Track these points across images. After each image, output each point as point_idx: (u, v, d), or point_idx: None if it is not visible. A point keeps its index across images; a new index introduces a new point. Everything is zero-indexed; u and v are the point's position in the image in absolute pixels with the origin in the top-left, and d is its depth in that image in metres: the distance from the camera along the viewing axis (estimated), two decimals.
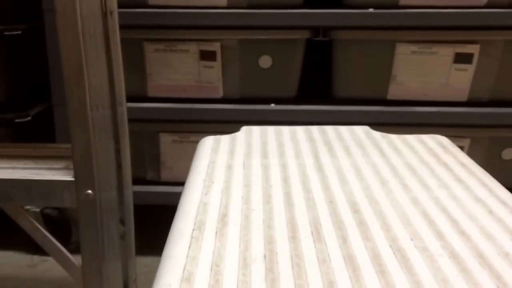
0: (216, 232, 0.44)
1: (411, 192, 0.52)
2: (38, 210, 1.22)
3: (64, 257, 0.83)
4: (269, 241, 0.43)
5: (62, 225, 1.19)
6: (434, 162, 0.60)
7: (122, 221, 0.89)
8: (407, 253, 0.41)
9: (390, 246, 0.42)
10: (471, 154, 1.10)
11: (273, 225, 0.45)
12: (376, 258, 0.40)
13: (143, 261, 1.04)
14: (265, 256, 0.41)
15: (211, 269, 0.39)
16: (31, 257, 1.23)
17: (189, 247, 0.41)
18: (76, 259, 0.81)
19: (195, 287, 0.36)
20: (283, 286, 0.37)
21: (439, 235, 0.44)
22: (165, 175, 1.16)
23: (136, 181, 1.10)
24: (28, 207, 1.21)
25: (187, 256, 0.40)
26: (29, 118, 1.08)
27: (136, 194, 0.92)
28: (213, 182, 0.53)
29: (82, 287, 0.81)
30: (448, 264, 0.40)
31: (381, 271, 0.39)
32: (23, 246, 1.18)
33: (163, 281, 0.37)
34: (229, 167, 0.57)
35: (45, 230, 1.20)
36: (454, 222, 0.46)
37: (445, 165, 0.59)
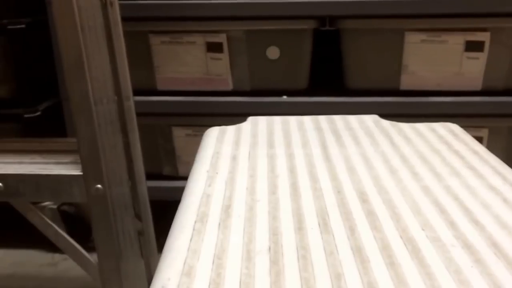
0: (219, 224, 0.42)
1: (422, 180, 0.50)
2: (55, 207, 1.21)
3: (79, 255, 0.82)
4: (274, 233, 0.41)
5: (80, 221, 1.18)
6: (446, 150, 0.57)
7: (139, 217, 0.88)
8: (418, 244, 0.39)
9: (401, 237, 0.40)
10: (491, 144, 1.07)
11: (279, 216, 0.43)
12: (385, 249, 0.38)
13: None
14: (269, 249, 0.39)
15: (213, 263, 0.37)
16: (52, 256, 1.22)
17: (191, 240, 0.39)
18: (95, 257, 0.79)
19: (196, 281, 0.35)
20: (288, 279, 0.35)
21: (452, 224, 0.42)
22: (182, 170, 1.15)
23: (153, 176, 1.08)
24: (45, 203, 1.20)
25: (188, 249, 0.38)
26: (39, 113, 1.07)
27: (153, 189, 0.91)
28: (217, 173, 0.51)
29: (100, 285, 0.79)
30: (462, 254, 0.38)
31: (391, 263, 0.37)
32: (44, 245, 1.17)
33: (162, 275, 0.36)
34: (234, 158, 0.55)
35: (61, 227, 1.19)
36: (467, 211, 0.44)
37: (457, 152, 0.57)
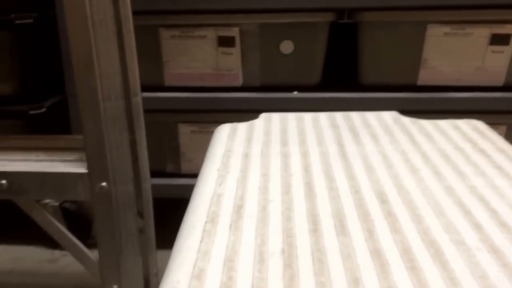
0: (231, 225, 0.41)
1: (445, 180, 0.49)
2: (57, 204, 1.22)
3: (80, 252, 0.82)
4: (288, 235, 0.40)
5: (81, 219, 1.18)
6: (470, 148, 0.56)
7: (141, 215, 0.88)
8: (441, 247, 0.38)
9: (422, 240, 0.39)
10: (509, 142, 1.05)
11: (293, 217, 0.43)
12: (406, 253, 0.37)
13: (166, 255, 1.04)
14: (283, 251, 0.38)
15: (224, 265, 0.36)
16: (51, 252, 1.23)
17: (201, 241, 0.39)
18: (94, 254, 0.79)
19: (206, 285, 0.34)
20: (303, 284, 0.34)
21: (477, 227, 0.41)
22: (185, 167, 1.15)
23: (156, 173, 1.08)
24: (46, 201, 1.21)
25: (198, 251, 0.38)
26: (44, 109, 1.08)
27: (155, 187, 0.91)
28: (228, 172, 0.51)
29: (100, 282, 0.80)
30: (487, 259, 0.37)
31: (412, 267, 0.36)
32: (44, 241, 1.19)
33: (171, 278, 0.35)
34: (246, 156, 0.54)
35: (62, 224, 1.20)
36: (493, 213, 0.43)
37: (482, 151, 0.55)
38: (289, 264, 0.36)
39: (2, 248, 1.26)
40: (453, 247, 0.38)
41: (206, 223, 0.41)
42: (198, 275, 0.35)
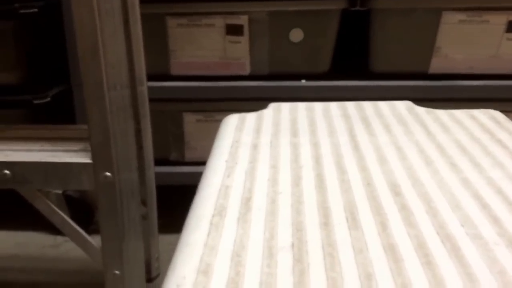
0: (239, 218, 0.40)
1: (461, 172, 0.48)
2: (60, 192, 1.23)
3: (82, 239, 0.83)
4: (298, 228, 0.39)
5: (84, 206, 1.20)
6: (487, 139, 0.55)
7: (144, 202, 0.88)
8: (457, 242, 0.37)
9: (438, 234, 0.38)
10: None
11: (303, 210, 0.42)
12: (421, 248, 0.37)
13: (167, 239, 1.05)
14: (293, 245, 0.37)
15: (231, 260, 0.35)
16: (54, 238, 1.25)
17: (208, 235, 0.38)
18: (96, 240, 0.80)
19: (213, 280, 0.33)
20: (313, 279, 0.33)
21: (495, 220, 0.40)
22: (189, 155, 1.14)
23: (159, 161, 1.08)
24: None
25: (205, 245, 0.37)
26: (48, 99, 1.07)
27: (159, 174, 0.91)
28: (236, 163, 0.50)
29: (102, 268, 0.81)
30: (506, 254, 0.36)
31: (428, 262, 0.35)
32: (47, 227, 1.22)
33: (177, 272, 0.34)
34: (255, 147, 0.54)
35: (65, 212, 1.21)
36: (511, 206, 0.42)
37: (500, 142, 0.54)
38: (299, 259, 0.36)
39: (6, 233, 1.28)
40: (470, 241, 0.37)
41: (213, 216, 0.41)
42: (204, 270, 0.34)
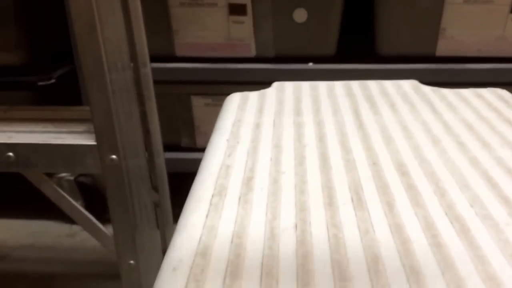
0: (240, 198, 0.38)
1: (469, 151, 0.45)
2: (72, 178, 1.20)
3: (94, 226, 0.80)
4: (302, 209, 0.37)
5: (97, 193, 1.17)
6: (495, 118, 0.52)
7: (156, 189, 0.86)
8: (466, 222, 0.35)
9: (446, 214, 0.36)
10: None
11: (307, 190, 0.39)
12: (429, 228, 0.34)
13: None
14: (296, 226, 0.35)
15: (231, 242, 0.33)
16: (70, 227, 1.22)
17: (207, 216, 0.36)
18: (110, 229, 0.77)
19: (212, 263, 0.31)
20: (317, 262, 0.31)
21: (505, 200, 0.37)
22: (200, 141, 1.12)
23: (171, 147, 1.06)
24: (62, 175, 1.20)
25: (204, 226, 0.35)
26: (53, 80, 1.05)
27: (170, 161, 0.88)
28: (238, 142, 0.47)
29: (116, 256, 0.78)
30: None
31: (436, 243, 0.33)
32: (62, 216, 1.19)
33: (174, 255, 0.32)
34: (257, 126, 0.51)
35: (78, 199, 1.19)
36: None
37: (508, 121, 0.51)
38: (302, 240, 0.33)
39: (21, 223, 1.25)
40: (480, 222, 0.35)
41: (213, 196, 0.38)
42: (202, 252, 0.32)
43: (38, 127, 0.77)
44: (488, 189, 0.39)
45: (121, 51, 0.72)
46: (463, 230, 0.34)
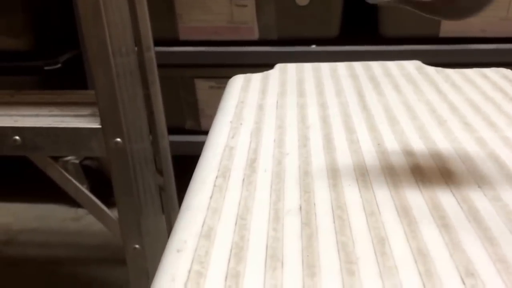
0: (243, 180, 0.37)
1: (475, 132, 0.43)
2: (77, 162, 1.19)
3: (99, 209, 0.79)
4: (306, 190, 0.35)
5: (103, 177, 1.15)
6: (501, 98, 0.50)
7: (160, 172, 0.84)
8: (475, 204, 0.33)
9: (454, 195, 0.34)
10: None
11: (311, 171, 0.38)
12: (436, 210, 0.33)
13: None
14: (300, 208, 0.33)
15: (235, 224, 0.32)
16: (75, 210, 1.21)
17: (211, 197, 0.35)
18: (116, 213, 0.76)
19: (216, 245, 0.30)
20: (322, 244, 0.30)
21: None
22: (205, 124, 1.10)
23: (175, 130, 1.04)
24: (67, 158, 1.18)
25: (207, 208, 0.33)
26: (59, 65, 1.03)
27: (175, 144, 0.87)
28: (241, 124, 0.46)
29: (121, 240, 0.77)
30: None
31: (444, 225, 0.31)
32: (67, 199, 1.17)
33: (178, 236, 0.31)
34: (260, 107, 0.49)
35: (83, 182, 1.17)
36: None
37: None
38: (307, 222, 0.32)
39: (26, 206, 1.24)
40: (488, 203, 0.33)
41: (217, 177, 0.37)
42: (207, 234, 0.31)
43: (44, 110, 0.76)
44: (496, 170, 0.37)
45: (125, 35, 0.70)
46: (471, 212, 0.32)
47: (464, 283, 0.26)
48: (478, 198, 0.34)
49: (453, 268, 0.27)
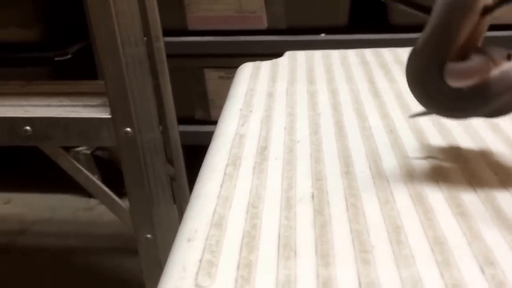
0: (254, 168, 0.35)
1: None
2: (88, 152, 1.18)
3: (110, 200, 0.78)
4: (318, 178, 0.34)
5: (114, 167, 1.14)
6: None
7: (171, 162, 0.83)
8: (492, 191, 0.32)
9: (469, 182, 0.33)
10: None
11: (323, 158, 0.37)
12: (453, 198, 0.31)
13: None
14: (313, 196, 0.32)
15: (247, 212, 0.31)
16: (87, 201, 1.20)
17: (221, 186, 0.33)
18: (127, 203, 0.75)
19: (227, 234, 0.29)
20: (336, 232, 0.28)
21: None
22: (215, 114, 1.09)
23: (185, 120, 1.03)
24: (78, 148, 1.18)
25: (218, 196, 0.32)
26: (69, 56, 1.02)
27: (185, 134, 0.86)
28: (251, 111, 0.44)
29: (133, 230, 0.76)
30: None
31: (461, 213, 0.30)
32: (80, 190, 1.17)
33: (188, 226, 0.30)
34: (270, 95, 0.48)
35: (94, 172, 1.16)
36: None
37: None
38: (320, 210, 0.31)
39: (39, 196, 1.23)
40: (506, 191, 0.32)
41: (227, 166, 0.36)
42: (218, 222, 0.30)
43: (55, 101, 0.75)
44: None
45: (134, 25, 0.69)
46: (489, 200, 0.31)
47: (483, 272, 0.25)
48: (495, 185, 0.32)
49: (472, 257, 0.26)
